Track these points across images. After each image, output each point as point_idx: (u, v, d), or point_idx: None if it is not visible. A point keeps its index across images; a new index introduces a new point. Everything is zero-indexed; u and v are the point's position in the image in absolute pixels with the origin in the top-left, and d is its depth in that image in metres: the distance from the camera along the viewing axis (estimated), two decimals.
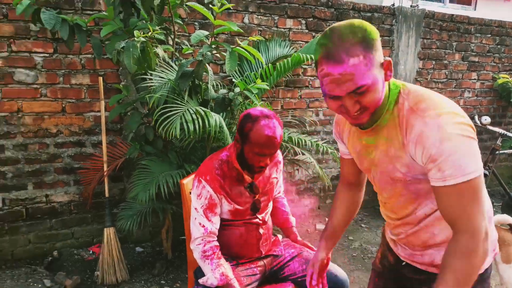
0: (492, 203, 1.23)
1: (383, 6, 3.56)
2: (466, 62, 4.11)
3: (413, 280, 1.18)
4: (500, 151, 3.22)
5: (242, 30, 2.13)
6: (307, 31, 3.24)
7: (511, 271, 2.22)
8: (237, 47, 1.85)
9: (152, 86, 2.01)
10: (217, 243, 1.51)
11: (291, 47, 3.11)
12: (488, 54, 4.22)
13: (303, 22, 3.21)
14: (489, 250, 0.92)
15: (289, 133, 2.76)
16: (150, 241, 2.97)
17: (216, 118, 1.91)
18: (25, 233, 2.60)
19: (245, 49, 1.84)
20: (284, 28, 3.15)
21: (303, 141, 2.69)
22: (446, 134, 0.87)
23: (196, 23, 2.80)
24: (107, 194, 2.54)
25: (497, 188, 4.32)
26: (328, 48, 0.87)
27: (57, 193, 2.64)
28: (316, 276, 1.31)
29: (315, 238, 3.21)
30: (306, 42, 3.22)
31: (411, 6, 3.80)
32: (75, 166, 2.65)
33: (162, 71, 2.11)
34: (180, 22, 2.29)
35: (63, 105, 2.57)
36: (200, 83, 2.06)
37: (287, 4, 3.11)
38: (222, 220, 1.57)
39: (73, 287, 2.34)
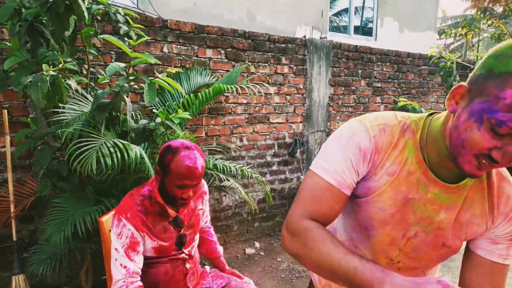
0: None
1: (296, 38, 3.83)
2: (371, 88, 4.56)
3: None
4: None
5: (159, 62, 2.14)
6: (226, 60, 3.34)
7: None
8: (156, 79, 1.85)
9: (64, 119, 1.90)
10: (140, 283, 1.45)
11: (212, 76, 3.18)
12: (388, 80, 4.73)
13: (223, 52, 3.31)
14: None
15: (214, 160, 2.79)
16: (67, 284, 2.73)
17: (136, 150, 1.87)
18: None
19: (164, 81, 1.85)
20: (204, 58, 3.22)
21: (228, 167, 2.73)
22: None
23: (112, 52, 2.73)
24: (15, 238, 2.30)
25: None
26: None
27: None
28: None
29: (245, 264, 3.23)
30: (227, 71, 3.32)
31: (320, 37, 4.14)
32: None
33: (75, 103, 2.01)
34: (95, 52, 2.23)
35: None
36: (118, 114, 2.01)
37: (206, 35, 3.19)
38: (145, 258, 1.51)
39: None
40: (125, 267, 1.42)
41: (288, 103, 3.83)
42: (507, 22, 7.25)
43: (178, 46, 3.06)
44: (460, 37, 7.69)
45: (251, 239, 3.69)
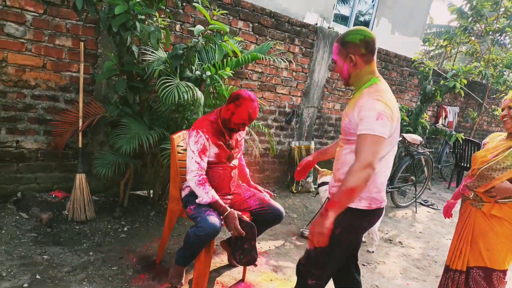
0: None
1: (309, 24, 4.50)
2: None
3: None
4: None
5: (227, 30, 2.76)
6: (252, 33, 3.98)
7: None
8: (222, 43, 2.51)
9: (148, 60, 2.53)
10: (205, 176, 2.16)
11: (239, 44, 3.82)
12: None
13: (251, 25, 3.94)
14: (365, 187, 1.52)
15: None
16: (103, 192, 3.38)
17: (199, 92, 2.54)
18: None
19: (229, 45, 2.50)
20: (236, 28, 3.84)
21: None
22: None
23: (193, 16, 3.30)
24: (80, 144, 2.92)
25: None
26: None
27: (27, 140, 2.91)
28: (300, 168, 2.07)
29: None
30: (251, 42, 3.97)
31: (328, 27, 4.83)
32: (47, 118, 2.95)
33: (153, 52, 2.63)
34: (169, 11, 2.82)
35: (45, 62, 2.85)
36: (189, 64, 2.65)
37: (240, 8, 3.80)
38: (209, 162, 2.22)
39: (47, 221, 2.69)
40: (198, 163, 2.13)
41: (293, 79, 4.54)
42: (482, 41, 8.23)
43: (217, 14, 3.65)
44: (441, 47, 8.62)
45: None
